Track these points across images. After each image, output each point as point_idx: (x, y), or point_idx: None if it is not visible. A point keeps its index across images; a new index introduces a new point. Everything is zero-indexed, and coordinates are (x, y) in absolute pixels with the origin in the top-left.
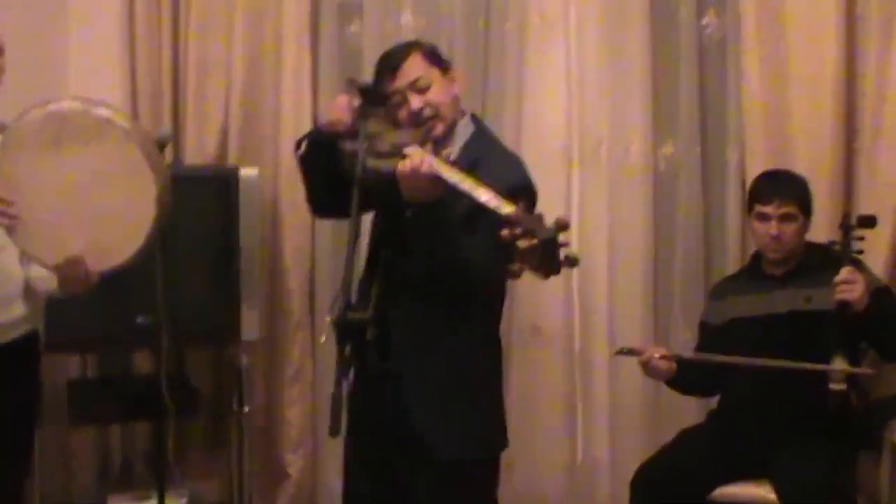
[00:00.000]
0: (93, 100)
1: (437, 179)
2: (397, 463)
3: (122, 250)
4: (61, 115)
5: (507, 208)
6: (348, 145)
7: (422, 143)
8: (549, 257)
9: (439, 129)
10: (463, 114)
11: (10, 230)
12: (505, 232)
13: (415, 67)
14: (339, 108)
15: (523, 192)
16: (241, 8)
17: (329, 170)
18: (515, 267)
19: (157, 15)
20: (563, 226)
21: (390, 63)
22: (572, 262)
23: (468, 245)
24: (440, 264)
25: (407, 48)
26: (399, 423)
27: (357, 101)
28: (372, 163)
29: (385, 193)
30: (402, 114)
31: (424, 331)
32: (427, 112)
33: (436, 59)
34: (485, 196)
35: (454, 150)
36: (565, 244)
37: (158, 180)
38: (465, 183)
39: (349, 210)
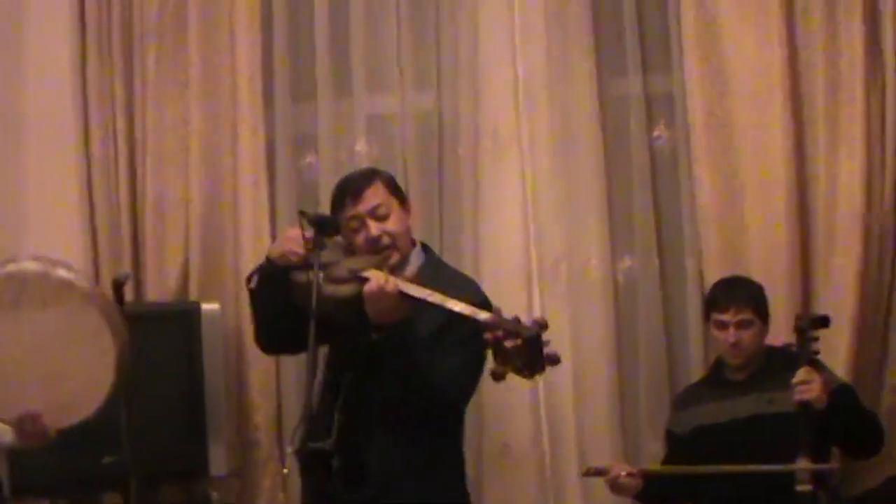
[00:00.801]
0: (53, 260)
1: (404, 297)
2: None
3: (80, 408)
4: (21, 277)
5: (483, 314)
6: (302, 276)
7: (378, 269)
8: (534, 355)
9: (395, 257)
10: (414, 244)
11: None
12: (488, 335)
13: (376, 195)
14: (291, 240)
15: (485, 307)
16: (197, 144)
17: (281, 302)
18: (499, 370)
19: (114, 154)
20: (543, 324)
21: (352, 188)
22: (554, 360)
23: (440, 364)
24: (413, 387)
25: (370, 175)
26: None
27: (309, 233)
28: (330, 289)
29: (345, 319)
30: (359, 239)
31: (400, 456)
32: (385, 240)
33: (395, 189)
34: (458, 306)
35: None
36: (546, 342)
37: (117, 343)
38: (433, 296)
39: (300, 344)
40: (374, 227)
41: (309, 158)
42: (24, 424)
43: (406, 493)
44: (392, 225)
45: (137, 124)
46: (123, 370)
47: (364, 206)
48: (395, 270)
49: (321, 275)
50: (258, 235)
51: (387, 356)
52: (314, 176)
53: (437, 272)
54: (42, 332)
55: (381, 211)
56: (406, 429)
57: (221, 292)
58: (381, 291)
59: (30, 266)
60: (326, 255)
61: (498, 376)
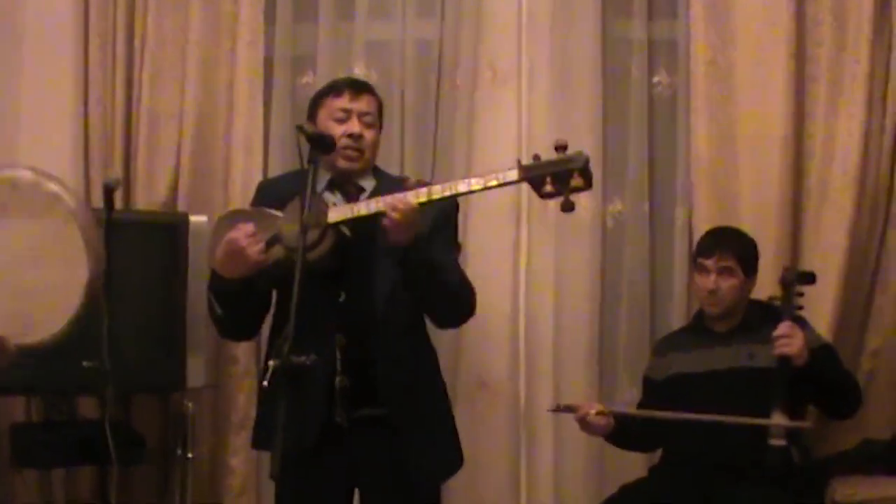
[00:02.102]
0: (48, 174)
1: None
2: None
3: (41, 329)
4: (13, 183)
5: (512, 173)
6: (277, 251)
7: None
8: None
9: (359, 164)
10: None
11: None
12: (548, 188)
13: (370, 104)
14: (244, 249)
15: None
16: (194, 57)
17: (250, 304)
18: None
19: (112, 62)
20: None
21: (356, 84)
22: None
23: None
24: (441, 299)
25: (371, 86)
26: (380, 463)
27: (249, 226)
28: (309, 255)
29: (329, 268)
30: (337, 130)
31: (409, 373)
32: (361, 143)
33: (380, 111)
34: (482, 182)
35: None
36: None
37: (92, 266)
38: (449, 188)
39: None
40: (357, 125)
41: (306, 78)
42: None
43: (413, 408)
44: (371, 137)
45: (137, 32)
46: (93, 297)
47: (358, 106)
48: (351, 197)
49: (290, 247)
50: (250, 151)
51: (411, 271)
52: (310, 95)
53: (393, 181)
54: (22, 242)
55: (369, 119)
56: (413, 345)
57: (210, 205)
58: (407, 214)
59: (24, 174)
60: (267, 228)
61: (569, 205)
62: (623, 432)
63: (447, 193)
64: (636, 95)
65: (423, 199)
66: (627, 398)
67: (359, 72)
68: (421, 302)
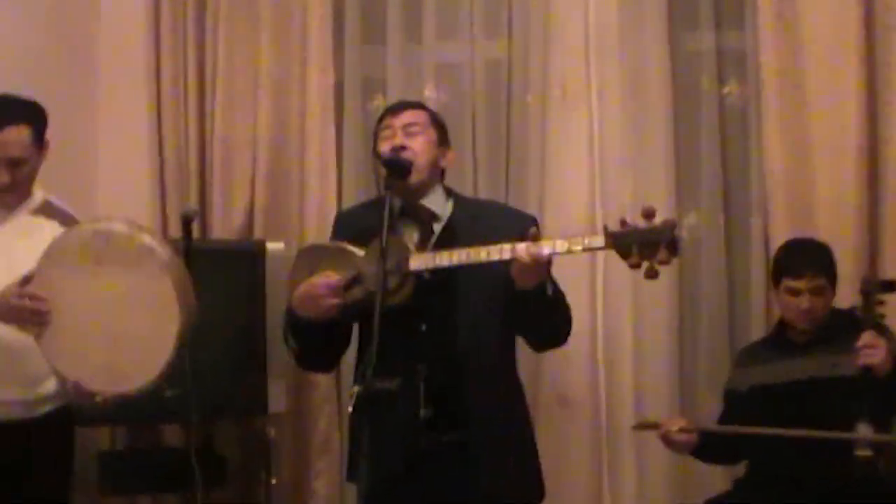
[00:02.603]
0: (140, 226)
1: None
2: None
3: (132, 379)
4: (107, 236)
5: (598, 240)
6: (357, 293)
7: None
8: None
9: (413, 177)
10: (437, 180)
11: (38, 331)
12: (634, 259)
13: (415, 116)
14: (323, 296)
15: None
16: (266, 85)
17: (327, 342)
18: (652, 270)
19: (184, 92)
20: (652, 212)
21: (396, 104)
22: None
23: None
24: (549, 330)
25: (417, 102)
26: (462, 491)
27: (335, 280)
28: (390, 300)
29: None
30: (384, 147)
31: (493, 399)
32: (406, 154)
33: (438, 125)
34: (561, 244)
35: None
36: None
37: (183, 317)
38: (534, 248)
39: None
40: (399, 137)
41: (377, 101)
42: (74, 390)
43: (496, 436)
44: (418, 145)
45: (208, 63)
46: (183, 346)
47: (399, 120)
48: (424, 225)
49: (370, 290)
50: (324, 176)
51: (531, 311)
52: None
53: (471, 203)
54: (116, 293)
55: (413, 129)
56: (497, 374)
57: (286, 232)
58: (535, 264)
59: (117, 226)
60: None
61: (654, 274)
62: (706, 447)
63: (533, 251)
64: (707, 107)
65: (505, 256)
66: (708, 410)
67: (428, 94)
68: (526, 332)
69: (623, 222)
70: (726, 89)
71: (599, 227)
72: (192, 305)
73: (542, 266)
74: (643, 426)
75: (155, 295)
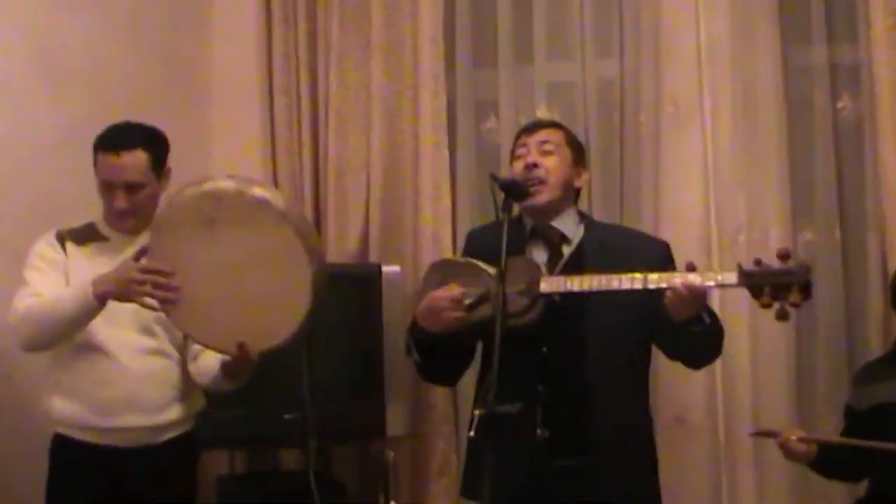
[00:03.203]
0: (248, 179)
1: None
2: None
3: (277, 333)
4: (216, 195)
5: (731, 276)
6: (484, 312)
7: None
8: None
9: (544, 195)
10: (571, 201)
11: (169, 309)
12: (766, 299)
13: (550, 134)
14: (445, 309)
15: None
16: (378, 108)
17: (451, 356)
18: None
19: (297, 116)
20: (787, 254)
21: (533, 123)
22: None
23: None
24: (706, 354)
25: (554, 122)
26: None
27: (460, 293)
28: (514, 322)
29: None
30: (517, 166)
31: (623, 421)
32: (539, 172)
33: (574, 144)
34: (694, 277)
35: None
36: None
37: (314, 263)
38: (665, 280)
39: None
40: (534, 155)
41: (489, 123)
42: (240, 355)
43: (620, 460)
44: (552, 163)
45: (320, 88)
46: (320, 292)
47: (533, 139)
48: (553, 248)
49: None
50: (438, 199)
51: (688, 339)
52: (495, 141)
53: (601, 229)
54: (238, 253)
55: (548, 147)
56: (624, 400)
57: (401, 255)
58: (692, 297)
59: (225, 184)
60: (478, 284)
61: (785, 315)
62: (826, 460)
63: (663, 285)
64: (821, 122)
65: (637, 286)
66: (828, 430)
67: (541, 114)
68: (681, 358)
69: (758, 261)
70: (840, 104)
71: (715, 246)
72: (318, 249)
73: (699, 298)
74: (762, 433)
75: (279, 247)
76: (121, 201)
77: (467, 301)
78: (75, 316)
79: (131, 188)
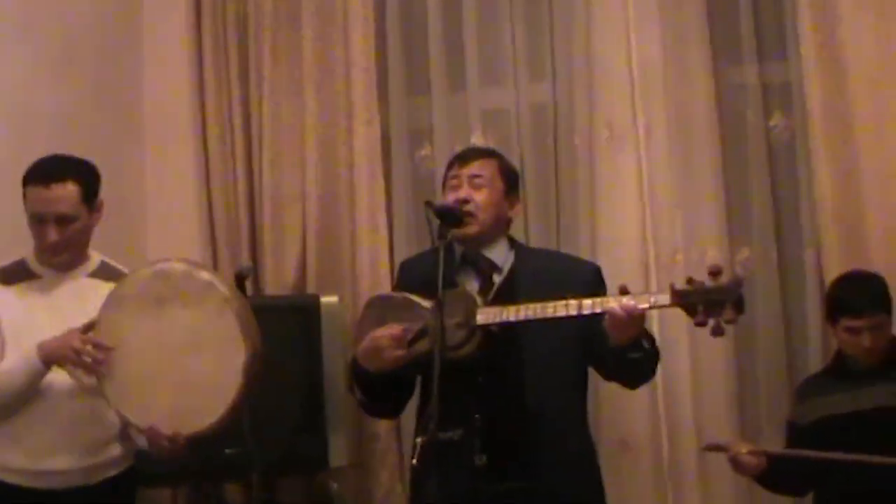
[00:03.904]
0: (198, 263)
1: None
2: None
3: (204, 416)
4: (167, 275)
5: (664, 297)
6: (423, 345)
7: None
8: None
9: (473, 228)
10: (502, 231)
11: (100, 377)
12: (700, 317)
13: (482, 168)
14: (388, 348)
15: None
16: (312, 140)
17: (393, 391)
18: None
19: (231, 149)
20: (719, 271)
21: (466, 153)
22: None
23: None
24: (640, 375)
25: (488, 151)
26: None
27: (399, 332)
28: (453, 355)
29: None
30: (449, 198)
31: (557, 447)
32: (469, 207)
33: (507, 175)
34: (627, 300)
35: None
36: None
37: (249, 350)
38: (600, 305)
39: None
40: (464, 190)
41: (424, 151)
42: (151, 434)
43: (563, 483)
44: (483, 198)
45: (254, 119)
46: (251, 380)
47: (466, 171)
48: (483, 276)
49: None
50: (375, 228)
51: (624, 363)
52: (430, 169)
53: (535, 268)
54: (179, 333)
55: (479, 182)
56: (564, 423)
57: (339, 285)
58: (630, 318)
59: (176, 265)
60: (415, 318)
61: (720, 331)
62: (774, 474)
63: (597, 310)
64: (754, 140)
65: (572, 312)
66: (771, 444)
67: (475, 141)
68: (617, 379)
69: (690, 280)
70: (772, 122)
71: (653, 267)
72: (256, 336)
73: (638, 320)
74: (712, 448)
75: (219, 330)
76: (52, 234)
77: (408, 337)
78: (25, 387)
79: (62, 221)
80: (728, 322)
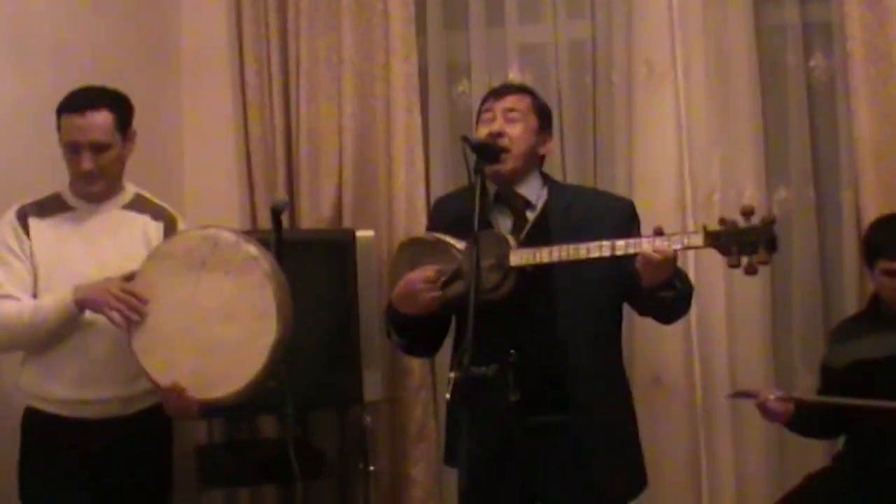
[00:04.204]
0: (247, 236)
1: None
2: None
3: (223, 386)
4: (215, 242)
5: (697, 238)
6: (458, 287)
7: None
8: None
9: (508, 165)
10: (534, 167)
11: (131, 327)
12: (732, 260)
13: (516, 102)
14: (422, 290)
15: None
16: (349, 75)
17: (430, 331)
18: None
19: (268, 83)
20: (751, 211)
21: (500, 88)
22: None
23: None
24: (673, 313)
25: (522, 87)
26: (565, 473)
27: (432, 273)
28: (488, 296)
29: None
30: (482, 131)
31: (598, 380)
32: (503, 141)
33: (540, 110)
34: (660, 241)
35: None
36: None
37: (280, 331)
38: (633, 246)
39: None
40: (498, 123)
41: (461, 87)
42: (169, 395)
43: (597, 420)
44: (516, 132)
45: (291, 54)
46: (275, 360)
47: (501, 105)
48: (518, 212)
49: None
50: (411, 163)
51: (656, 303)
52: (467, 104)
53: (567, 190)
54: (215, 299)
55: (513, 115)
56: (599, 359)
57: (375, 220)
58: (663, 260)
59: (225, 234)
60: (448, 261)
61: (753, 270)
62: (804, 419)
63: (631, 251)
64: (794, 81)
65: (605, 253)
66: (804, 388)
67: (513, 76)
68: (652, 316)
69: (722, 220)
70: (812, 63)
71: (690, 206)
72: (289, 319)
73: (669, 262)
74: (740, 395)
75: (255, 305)
76: (87, 162)
77: (442, 279)
78: (56, 326)
79: (97, 148)
80: (761, 263)
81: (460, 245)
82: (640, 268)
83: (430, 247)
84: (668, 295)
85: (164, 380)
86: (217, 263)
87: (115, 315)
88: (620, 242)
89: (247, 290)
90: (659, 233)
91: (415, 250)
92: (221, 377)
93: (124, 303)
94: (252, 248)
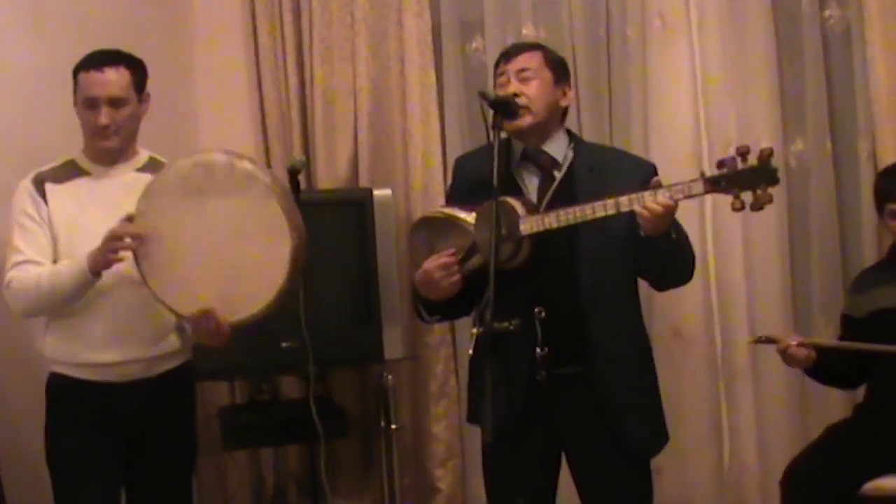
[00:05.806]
0: (237, 153)
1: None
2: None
3: (251, 304)
4: (207, 166)
5: (697, 186)
6: (475, 261)
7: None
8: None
9: (527, 119)
10: (558, 124)
11: (143, 267)
12: (736, 204)
13: (528, 60)
14: (443, 276)
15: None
16: (363, 33)
17: (456, 306)
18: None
19: (282, 44)
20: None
21: (510, 49)
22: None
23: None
24: (673, 274)
25: (533, 45)
26: (590, 427)
27: (448, 258)
28: (505, 265)
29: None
30: (500, 93)
31: (619, 332)
32: (521, 100)
33: (554, 65)
34: (662, 193)
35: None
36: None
37: (294, 238)
38: (637, 201)
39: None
40: (513, 85)
41: (475, 44)
42: (199, 321)
43: (617, 370)
44: (532, 91)
45: (304, 13)
46: (297, 267)
47: (512, 66)
48: (545, 171)
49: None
50: (426, 121)
51: (656, 256)
52: (481, 60)
53: (593, 165)
54: (222, 223)
55: (526, 74)
56: (619, 312)
57: (391, 178)
58: (666, 212)
59: (216, 157)
60: (462, 236)
61: (758, 206)
62: (824, 365)
63: (635, 207)
64: (809, 31)
65: (610, 211)
66: (824, 337)
67: (527, 32)
68: (652, 275)
69: (720, 164)
70: (827, 12)
71: (706, 159)
72: (300, 224)
73: (671, 214)
74: (762, 340)
75: (262, 219)
76: (104, 117)
77: (459, 256)
78: (73, 290)
79: (114, 103)
80: (767, 202)
81: (470, 217)
82: (641, 221)
83: (442, 226)
84: (665, 246)
85: (190, 309)
86: (215, 188)
87: (122, 253)
88: (624, 199)
89: (251, 207)
90: (659, 186)
91: (427, 231)
92: (248, 296)
93: (119, 237)
94: (247, 164)
